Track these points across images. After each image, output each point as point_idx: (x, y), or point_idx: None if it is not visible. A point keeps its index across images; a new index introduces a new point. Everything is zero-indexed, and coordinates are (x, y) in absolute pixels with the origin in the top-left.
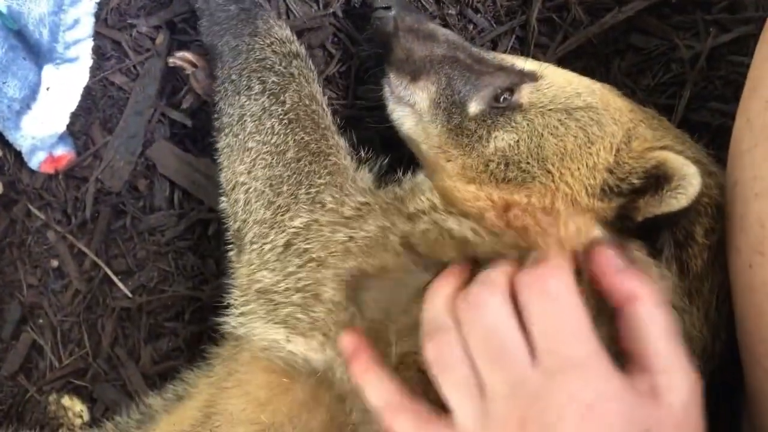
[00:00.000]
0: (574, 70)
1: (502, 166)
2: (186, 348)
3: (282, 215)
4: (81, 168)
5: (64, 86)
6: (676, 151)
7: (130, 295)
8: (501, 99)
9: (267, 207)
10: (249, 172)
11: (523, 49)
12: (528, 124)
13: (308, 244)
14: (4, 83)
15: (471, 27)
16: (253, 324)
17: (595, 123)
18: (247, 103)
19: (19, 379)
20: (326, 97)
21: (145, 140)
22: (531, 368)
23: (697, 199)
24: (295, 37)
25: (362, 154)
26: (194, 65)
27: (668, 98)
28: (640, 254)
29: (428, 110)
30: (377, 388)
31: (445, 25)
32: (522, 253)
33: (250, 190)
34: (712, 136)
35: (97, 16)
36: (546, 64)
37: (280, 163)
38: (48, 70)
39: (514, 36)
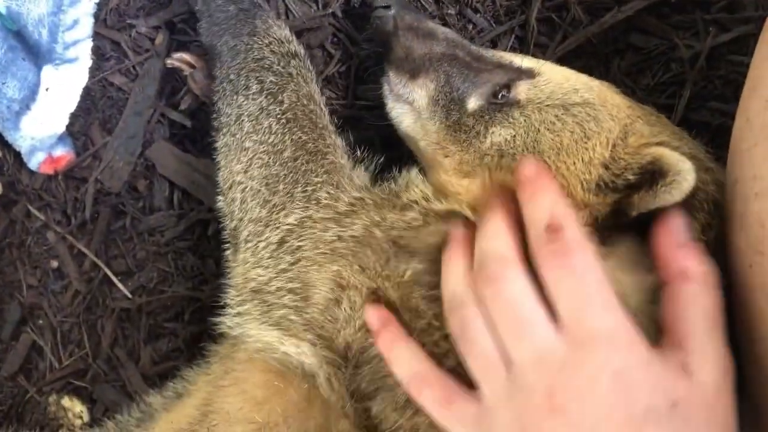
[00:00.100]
0: (573, 69)
1: (496, 158)
2: (186, 348)
3: (277, 213)
4: (80, 168)
5: (63, 87)
6: (673, 147)
7: (129, 295)
8: (499, 96)
9: (262, 206)
10: (245, 171)
11: (522, 48)
12: (525, 120)
13: (301, 241)
14: (3, 84)
15: (470, 27)
16: (248, 325)
17: (591, 119)
18: (245, 102)
19: (18, 379)
20: (325, 97)
21: (144, 141)
22: (556, 338)
23: (692, 194)
24: (293, 37)
25: (359, 153)
26: (192, 66)
27: (668, 98)
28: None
29: (427, 107)
30: (405, 360)
31: (445, 25)
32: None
33: (247, 189)
34: (712, 135)
35: (96, 16)
36: (544, 62)
37: (277, 163)
38: (47, 70)
39: (513, 36)
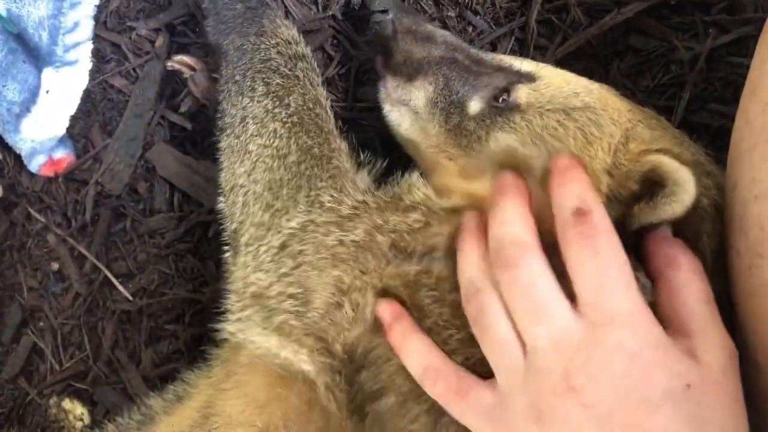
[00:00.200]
0: (573, 71)
1: (503, 164)
2: (186, 350)
3: (279, 218)
4: (81, 171)
5: (63, 89)
6: (673, 154)
7: (130, 297)
8: (499, 99)
9: (265, 210)
10: (249, 175)
11: (522, 50)
12: (527, 125)
13: (303, 245)
14: (3, 86)
15: (470, 29)
16: (250, 331)
17: (593, 123)
18: (250, 104)
19: (19, 382)
20: (328, 100)
21: (144, 143)
22: (574, 321)
23: (696, 202)
24: (301, 38)
25: (362, 157)
26: (193, 68)
27: (668, 100)
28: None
29: (425, 108)
30: (418, 352)
31: (445, 27)
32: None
33: (249, 192)
34: (712, 137)
35: (96, 19)
36: (543, 65)
37: (282, 167)
38: (47, 73)
39: (513, 38)
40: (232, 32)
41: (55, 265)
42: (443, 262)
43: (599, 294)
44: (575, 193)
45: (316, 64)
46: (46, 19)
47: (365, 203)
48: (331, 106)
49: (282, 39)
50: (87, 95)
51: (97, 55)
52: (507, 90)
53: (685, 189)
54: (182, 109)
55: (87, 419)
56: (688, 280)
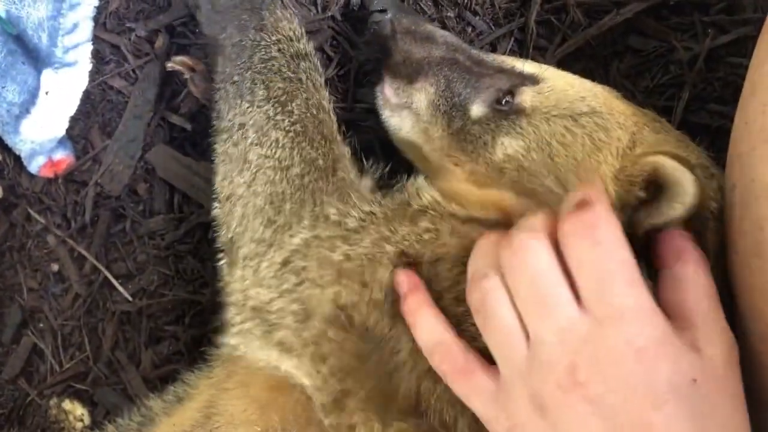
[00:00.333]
0: (573, 72)
1: (524, 176)
2: (186, 351)
3: (282, 234)
4: (80, 172)
5: (63, 90)
6: (679, 157)
7: (130, 298)
8: (503, 102)
9: (267, 225)
10: (249, 186)
11: (521, 51)
12: (534, 131)
13: (307, 261)
14: (3, 87)
15: (469, 30)
16: (251, 345)
17: (600, 129)
18: (250, 109)
19: (19, 383)
20: (331, 103)
21: (144, 144)
22: (579, 314)
23: (701, 204)
24: (303, 31)
25: (365, 163)
26: (192, 69)
27: (667, 100)
28: None
29: (426, 110)
30: (429, 326)
31: (444, 27)
32: None
33: (249, 204)
34: (712, 138)
35: (95, 20)
36: (546, 66)
37: (284, 180)
38: (47, 74)
39: (512, 38)
40: (230, 25)
41: (55, 266)
42: (451, 272)
43: (602, 288)
44: (583, 192)
45: (318, 62)
46: (45, 21)
47: (372, 214)
48: (333, 108)
49: (283, 35)
50: (86, 96)
51: (97, 57)
52: (511, 92)
53: (685, 189)
54: (182, 111)
55: (87, 420)
56: (693, 275)
